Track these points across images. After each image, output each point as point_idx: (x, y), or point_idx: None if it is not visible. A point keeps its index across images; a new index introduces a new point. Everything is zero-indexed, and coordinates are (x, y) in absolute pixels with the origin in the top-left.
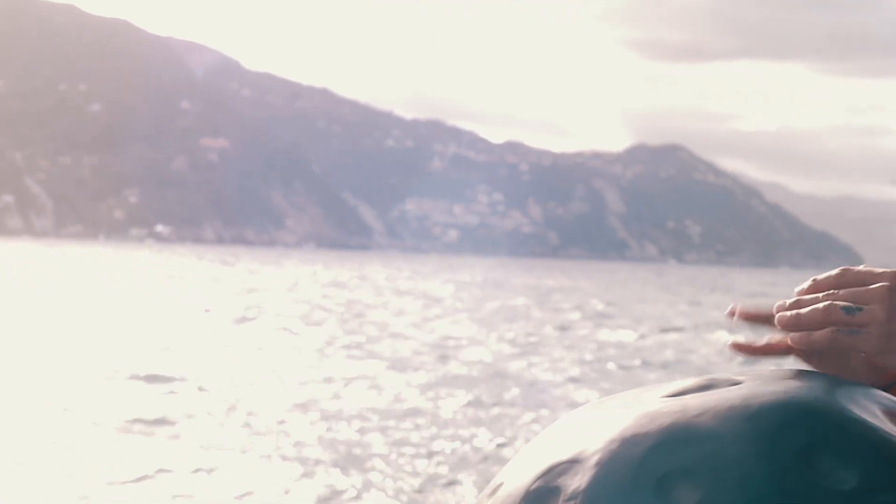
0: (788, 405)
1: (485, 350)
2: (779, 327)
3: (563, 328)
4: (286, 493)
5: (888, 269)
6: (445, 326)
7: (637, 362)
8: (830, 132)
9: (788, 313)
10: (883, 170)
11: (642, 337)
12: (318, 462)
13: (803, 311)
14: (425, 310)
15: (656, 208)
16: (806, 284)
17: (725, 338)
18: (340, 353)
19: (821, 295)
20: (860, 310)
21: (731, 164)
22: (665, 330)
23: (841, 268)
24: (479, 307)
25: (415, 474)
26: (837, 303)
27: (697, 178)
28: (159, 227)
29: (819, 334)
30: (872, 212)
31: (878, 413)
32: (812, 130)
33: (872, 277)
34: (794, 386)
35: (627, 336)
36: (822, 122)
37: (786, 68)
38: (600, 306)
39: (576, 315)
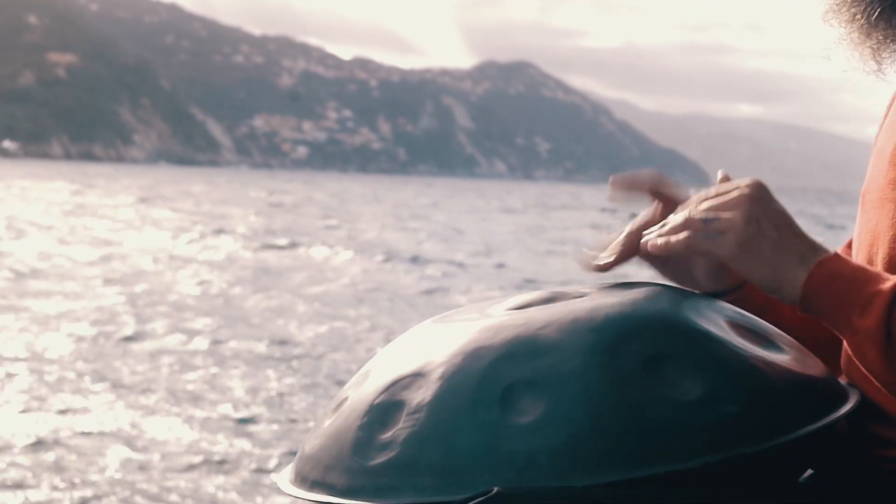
0: (632, 317)
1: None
2: (651, 250)
3: None
4: None
5: (748, 179)
6: None
7: None
8: (675, 49)
9: (659, 241)
10: (727, 87)
11: None
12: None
13: (664, 229)
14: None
15: (505, 125)
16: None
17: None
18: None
19: (684, 211)
20: (717, 219)
21: (579, 81)
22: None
23: (701, 193)
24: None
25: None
26: (696, 216)
27: (546, 95)
28: (6, 143)
29: (676, 238)
30: (718, 128)
31: (723, 324)
32: (656, 47)
33: (731, 187)
34: (638, 298)
35: None
36: (666, 39)
37: None
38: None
39: None
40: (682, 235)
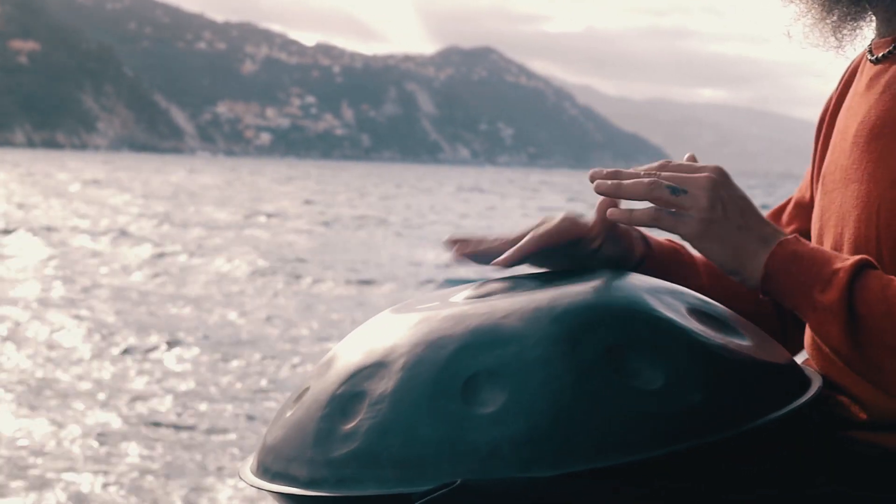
0: (594, 305)
1: None
2: (597, 192)
3: None
4: None
5: (711, 165)
6: None
7: None
8: (636, 34)
9: (609, 181)
10: (689, 72)
11: None
12: None
13: (625, 182)
14: None
15: (469, 111)
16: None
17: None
18: None
19: (643, 172)
20: (685, 192)
21: (542, 66)
22: None
23: (663, 160)
24: None
25: None
26: (663, 182)
27: (510, 80)
28: None
29: (642, 212)
30: (681, 113)
31: (685, 312)
32: (618, 32)
33: (695, 168)
34: (600, 286)
35: None
36: (627, 24)
37: None
38: None
39: None
40: (650, 209)
